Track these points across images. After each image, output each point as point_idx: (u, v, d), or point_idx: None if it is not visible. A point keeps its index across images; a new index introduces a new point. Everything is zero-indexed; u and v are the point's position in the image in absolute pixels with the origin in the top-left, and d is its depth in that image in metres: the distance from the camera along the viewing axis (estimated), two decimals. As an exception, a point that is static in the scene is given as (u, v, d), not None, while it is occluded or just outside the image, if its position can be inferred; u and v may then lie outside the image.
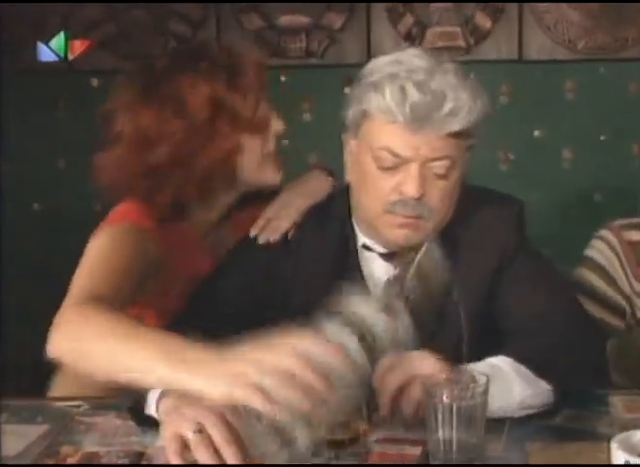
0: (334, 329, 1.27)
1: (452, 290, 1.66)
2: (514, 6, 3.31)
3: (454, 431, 1.30)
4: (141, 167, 1.71)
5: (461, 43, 3.33)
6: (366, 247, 1.69)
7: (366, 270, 1.70)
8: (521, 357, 1.50)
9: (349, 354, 1.23)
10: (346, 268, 1.69)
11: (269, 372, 1.18)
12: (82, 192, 3.38)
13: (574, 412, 1.53)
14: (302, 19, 3.34)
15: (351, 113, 1.63)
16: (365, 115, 1.59)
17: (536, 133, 3.38)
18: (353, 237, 1.70)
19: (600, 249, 1.92)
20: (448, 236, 1.67)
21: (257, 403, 1.17)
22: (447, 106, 1.54)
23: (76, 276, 1.54)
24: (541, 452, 1.40)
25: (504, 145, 3.38)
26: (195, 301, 1.69)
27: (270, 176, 1.81)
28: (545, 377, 1.49)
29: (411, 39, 3.33)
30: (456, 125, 1.55)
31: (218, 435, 1.25)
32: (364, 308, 1.29)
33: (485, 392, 1.33)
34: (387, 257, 1.68)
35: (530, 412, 1.49)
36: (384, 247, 1.67)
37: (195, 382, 1.22)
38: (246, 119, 1.75)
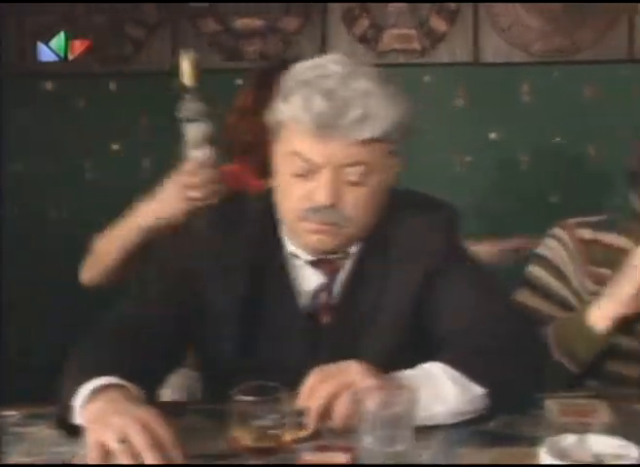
0: None
1: (382, 297, 1.66)
2: (469, 9, 3.32)
3: (381, 438, 1.30)
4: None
5: (416, 45, 3.34)
6: (293, 255, 1.68)
7: (295, 278, 1.69)
8: (454, 362, 1.51)
9: None
10: (273, 275, 1.67)
11: None
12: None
13: (508, 416, 1.53)
14: (257, 23, 3.33)
15: (270, 119, 1.62)
16: (279, 121, 1.59)
17: (492, 136, 3.40)
18: (280, 245, 1.68)
19: (552, 247, 1.91)
20: (377, 243, 1.67)
21: None
22: (354, 113, 1.52)
23: None
24: (469, 457, 1.41)
25: (460, 147, 3.39)
26: (128, 304, 1.68)
27: None
28: (478, 382, 1.50)
29: (367, 41, 3.33)
30: (366, 133, 1.53)
31: (141, 442, 1.25)
32: None
33: (413, 399, 1.33)
34: (315, 264, 1.67)
35: (465, 417, 1.50)
36: (310, 254, 1.66)
37: None
38: None
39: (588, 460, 1.29)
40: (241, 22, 3.33)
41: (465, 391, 1.49)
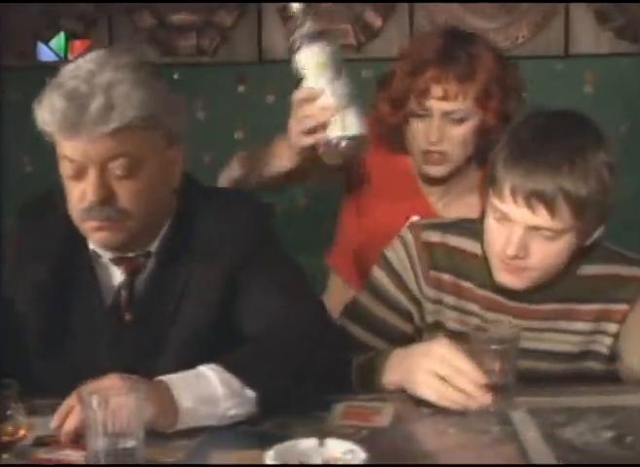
0: None
1: (184, 296, 1.67)
2: (404, 4, 3.30)
3: (108, 438, 1.32)
4: None
5: (352, 40, 3.32)
6: (95, 253, 1.70)
7: (100, 276, 1.71)
8: (229, 365, 1.52)
9: None
10: (78, 272, 1.70)
11: None
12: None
13: (287, 417, 1.54)
14: (192, 18, 3.34)
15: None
16: (41, 127, 1.61)
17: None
18: (86, 243, 1.70)
19: (396, 248, 1.90)
20: (179, 241, 1.69)
21: None
22: (95, 107, 1.53)
23: None
24: (223, 458, 1.42)
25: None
26: None
27: None
28: (251, 386, 1.51)
29: (301, 36, 3.32)
30: (112, 123, 1.54)
31: None
32: None
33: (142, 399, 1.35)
34: (116, 262, 1.69)
35: (234, 420, 1.51)
36: (107, 252, 1.69)
37: None
38: None
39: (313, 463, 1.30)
40: (177, 17, 3.34)
41: (235, 394, 1.50)
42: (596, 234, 1.74)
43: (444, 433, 1.49)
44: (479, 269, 1.82)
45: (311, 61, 1.74)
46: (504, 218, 1.70)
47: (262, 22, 3.34)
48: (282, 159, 2.00)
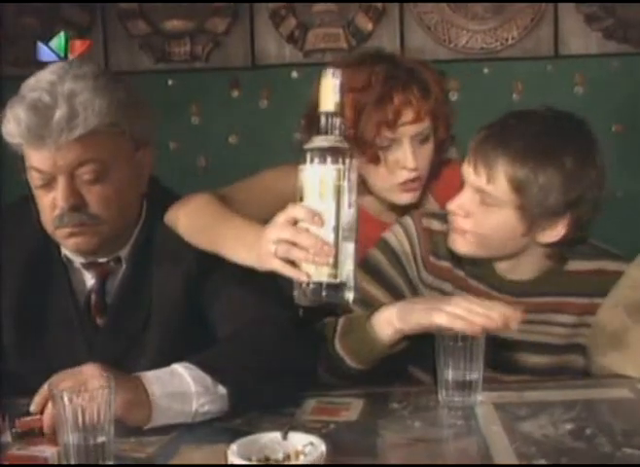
0: None
1: (152, 300, 1.71)
2: (395, 7, 3.33)
3: (78, 434, 1.35)
4: None
5: (343, 44, 3.36)
6: (67, 258, 1.75)
7: (74, 281, 1.76)
8: (202, 363, 1.55)
9: None
10: (52, 278, 1.75)
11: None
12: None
13: (257, 414, 1.57)
14: (186, 24, 3.39)
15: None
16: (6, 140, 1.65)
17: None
18: (58, 247, 1.75)
19: (396, 232, 1.92)
20: (146, 246, 1.73)
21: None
22: (59, 116, 1.57)
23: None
24: (191, 454, 1.45)
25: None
26: None
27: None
28: (222, 383, 1.54)
29: (294, 41, 3.37)
30: (76, 131, 1.59)
31: None
32: None
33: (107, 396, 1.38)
34: (87, 267, 1.74)
35: (207, 417, 1.54)
36: (79, 257, 1.73)
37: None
38: None
39: (274, 457, 1.33)
40: (170, 24, 3.40)
41: (208, 391, 1.53)
42: (560, 229, 1.76)
43: (408, 427, 1.52)
44: (470, 259, 1.86)
45: (323, 179, 1.40)
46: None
47: (254, 28, 3.39)
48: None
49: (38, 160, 1.63)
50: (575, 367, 1.87)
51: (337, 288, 1.41)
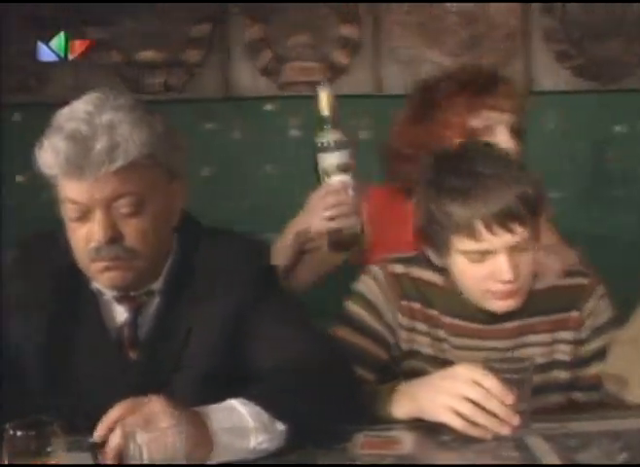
0: None
1: (191, 333, 1.69)
2: (369, 42, 3.36)
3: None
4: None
5: (318, 78, 3.37)
6: (98, 291, 1.71)
7: (104, 314, 1.72)
8: (258, 399, 1.53)
9: None
10: (82, 311, 1.71)
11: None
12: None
13: (312, 449, 1.56)
14: (160, 55, 3.37)
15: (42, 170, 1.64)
16: (42, 171, 1.62)
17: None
18: (88, 280, 1.71)
19: (366, 282, 1.97)
20: (183, 278, 1.71)
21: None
22: (100, 147, 1.55)
23: None
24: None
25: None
26: None
27: None
28: (281, 419, 1.52)
29: (269, 74, 3.37)
30: (117, 162, 1.56)
31: None
32: None
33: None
34: (119, 300, 1.70)
35: (264, 454, 1.52)
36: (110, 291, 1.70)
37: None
38: None
39: None
40: (144, 55, 3.37)
41: (266, 428, 1.51)
42: None
43: (468, 459, 1.53)
44: (442, 297, 1.93)
45: (339, 162, 2.05)
46: (484, 255, 1.79)
47: (229, 59, 3.38)
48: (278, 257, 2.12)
49: (75, 191, 1.60)
50: (559, 382, 1.93)
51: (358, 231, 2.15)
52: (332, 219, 2.07)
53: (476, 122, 2.22)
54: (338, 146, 2.05)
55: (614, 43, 3.32)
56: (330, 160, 2.06)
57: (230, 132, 3.41)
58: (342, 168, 2.06)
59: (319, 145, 2.06)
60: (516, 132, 2.25)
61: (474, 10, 3.35)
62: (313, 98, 2.11)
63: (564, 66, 3.34)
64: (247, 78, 3.37)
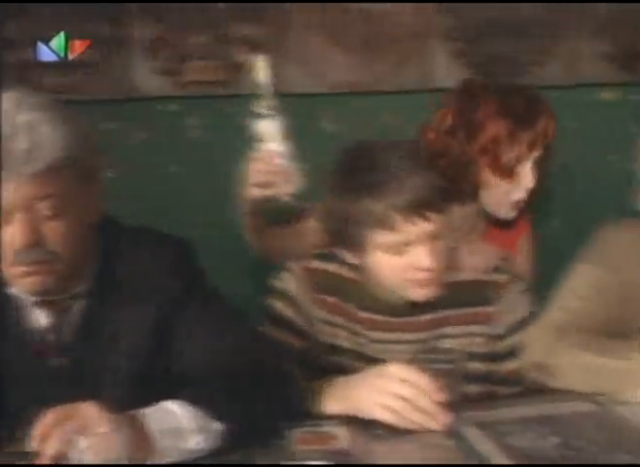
0: None
1: (116, 337, 1.67)
2: (272, 41, 3.36)
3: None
4: None
5: (220, 77, 3.36)
6: (18, 296, 1.67)
7: (26, 319, 1.68)
8: (193, 400, 1.53)
9: None
10: (2, 319, 1.67)
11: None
12: None
13: (250, 448, 1.57)
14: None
15: None
16: None
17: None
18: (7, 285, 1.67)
19: (283, 278, 2.03)
20: (106, 282, 1.68)
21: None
22: (20, 148, 1.50)
23: None
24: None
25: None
26: None
27: None
28: (218, 418, 1.52)
29: (169, 73, 3.34)
30: (36, 164, 1.51)
31: None
32: None
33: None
34: (40, 305, 1.67)
35: (201, 454, 1.52)
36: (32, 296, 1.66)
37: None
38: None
39: None
40: (44, 54, 3.28)
41: (202, 428, 1.51)
42: None
43: (405, 450, 1.56)
44: (358, 292, 1.97)
45: (272, 130, 2.17)
46: (403, 245, 1.82)
47: (129, 58, 3.33)
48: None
49: None
50: (478, 374, 1.98)
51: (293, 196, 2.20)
52: (262, 186, 2.14)
53: (507, 157, 2.22)
54: (272, 113, 2.16)
55: (509, 41, 3.40)
56: (263, 126, 2.16)
57: (131, 133, 3.36)
58: (275, 135, 2.15)
59: (255, 112, 2.17)
60: (539, 164, 2.25)
61: (374, 8, 3.39)
62: (250, 65, 2.31)
63: (461, 63, 3.41)
64: (147, 77, 3.33)
